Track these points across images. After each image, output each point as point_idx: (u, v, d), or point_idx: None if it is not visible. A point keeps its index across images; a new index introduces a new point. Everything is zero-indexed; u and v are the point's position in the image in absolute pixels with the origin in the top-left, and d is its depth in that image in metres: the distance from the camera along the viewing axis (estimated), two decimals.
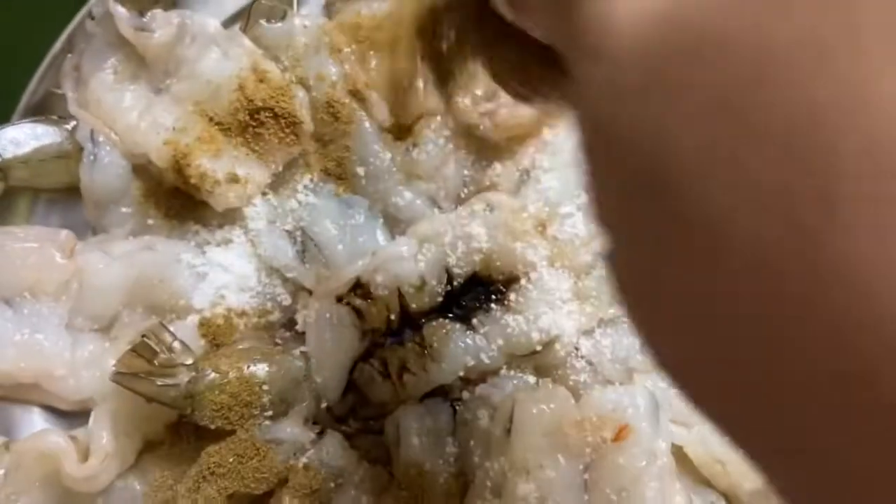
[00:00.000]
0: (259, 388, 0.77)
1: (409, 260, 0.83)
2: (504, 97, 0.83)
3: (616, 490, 0.75)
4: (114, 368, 0.74)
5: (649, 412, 0.78)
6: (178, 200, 0.87)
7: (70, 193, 0.88)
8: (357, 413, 0.84)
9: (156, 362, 0.75)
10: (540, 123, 0.86)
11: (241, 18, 0.92)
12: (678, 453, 0.81)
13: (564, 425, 0.78)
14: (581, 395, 0.82)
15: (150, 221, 0.87)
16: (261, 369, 0.78)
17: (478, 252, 0.81)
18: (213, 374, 0.76)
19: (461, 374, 0.83)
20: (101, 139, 0.85)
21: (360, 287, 0.84)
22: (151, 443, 0.82)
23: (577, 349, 0.83)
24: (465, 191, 0.88)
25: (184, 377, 0.75)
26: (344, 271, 0.84)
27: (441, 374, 0.83)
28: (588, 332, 0.84)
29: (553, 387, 0.81)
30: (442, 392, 0.85)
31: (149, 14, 0.85)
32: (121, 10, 0.83)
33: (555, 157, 0.87)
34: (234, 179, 0.82)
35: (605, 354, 0.83)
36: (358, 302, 0.83)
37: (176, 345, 0.76)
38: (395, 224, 0.88)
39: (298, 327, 0.84)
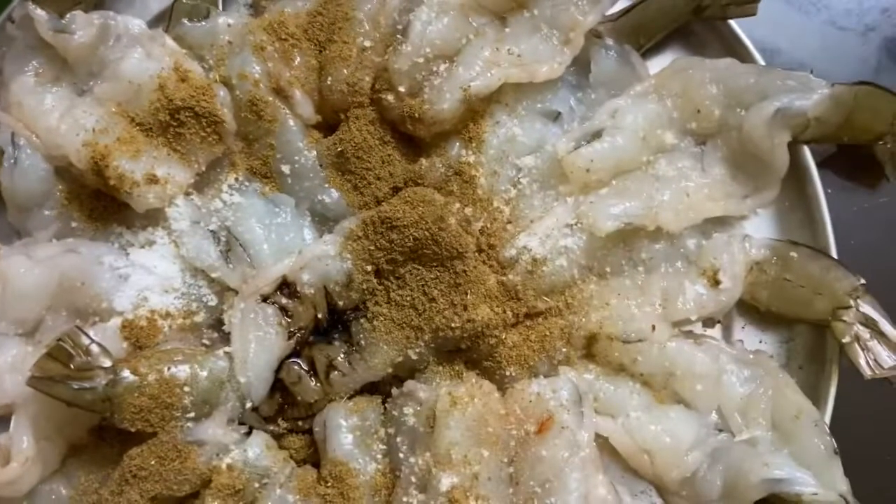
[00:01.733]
0: (180, 390, 0.77)
1: (335, 257, 0.83)
2: (428, 93, 0.84)
3: (540, 482, 0.75)
4: (30, 372, 0.73)
5: (572, 403, 0.78)
6: (102, 202, 0.86)
7: None
8: (285, 413, 0.84)
9: (72, 365, 0.74)
10: (464, 120, 0.86)
11: (166, 19, 0.91)
12: (604, 444, 0.81)
13: (489, 419, 0.78)
14: (507, 388, 0.82)
15: (74, 224, 0.86)
16: (182, 371, 0.77)
17: (408, 240, 0.81)
18: (131, 377, 0.75)
19: (389, 370, 0.83)
20: (21, 142, 0.84)
21: (286, 286, 0.83)
22: (76, 446, 0.82)
23: (503, 342, 0.83)
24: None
25: (101, 380, 0.74)
26: (270, 270, 0.83)
27: (369, 371, 0.83)
28: (514, 326, 0.84)
29: (477, 380, 0.81)
30: (371, 388, 0.85)
31: (69, 16, 0.84)
32: (40, 13, 0.83)
33: (480, 151, 0.86)
34: (153, 180, 0.81)
35: (532, 346, 0.83)
36: (284, 301, 0.83)
37: (93, 348, 0.75)
38: (323, 222, 0.88)
39: (225, 327, 0.84)
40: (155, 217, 0.85)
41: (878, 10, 0.99)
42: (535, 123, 0.88)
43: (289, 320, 0.82)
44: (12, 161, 0.83)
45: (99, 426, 0.80)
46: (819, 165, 0.89)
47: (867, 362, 0.79)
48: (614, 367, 0.83)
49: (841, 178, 0.93)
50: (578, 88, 0.90)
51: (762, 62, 0.89)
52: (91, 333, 0.78)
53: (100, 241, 0.85)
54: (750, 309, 0.88)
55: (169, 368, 0.77)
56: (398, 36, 0.85)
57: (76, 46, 0.83)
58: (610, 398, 0.82)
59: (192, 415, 0.77)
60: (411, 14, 0.84)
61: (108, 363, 0.75)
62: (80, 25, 0.84)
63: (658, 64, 0.93)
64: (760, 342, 0.88)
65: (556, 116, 0.89)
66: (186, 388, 0.77)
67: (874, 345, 0.80)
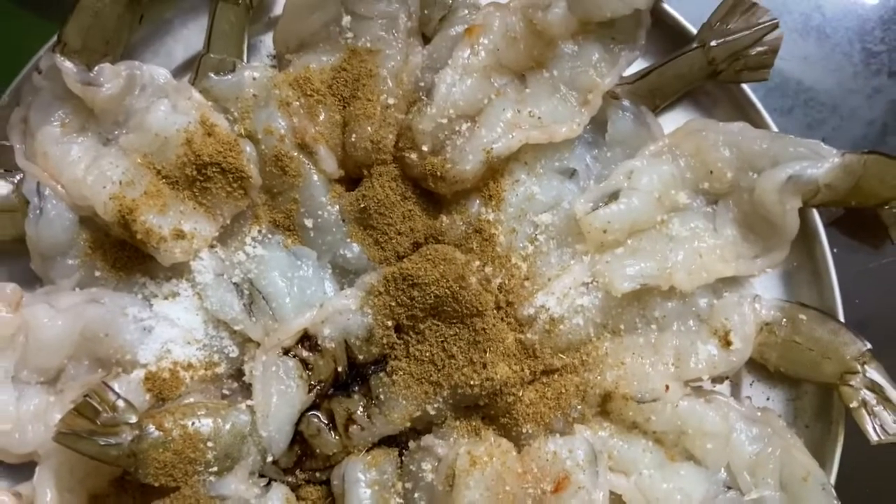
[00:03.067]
0: (203, 445, 0.78)
1: (356, 312, 0.84)
2: (450, 153, 0.86)
3: None
4: (57, 428, 0.74)
5: (587, 462, 0.80)
6: (126, 252, 0.87)
7: (17, 244, 0.87)
8: (304, 464, 0.85)
9: (98, 421, 0.75)
10: (484, 178, 0.88)
11: (191, 68, 0.93)
12: (617, 501, 0.83)
13: (506, 477, 0.79)
14: (524, 445, 0.84)
15: (98, 273, 0.87)
16: (205, 425, 0.78)
17: (429, 297, 0.83)
18: (156, 433, 0.76)
19: (408, 424, 0.85)
20: (47, 192, 0.85)
21: (307, 339, 0.85)
22: (96, 497, 0.82)
23: (520, 399, 0.84)
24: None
25: (127, 436, 0.75)
26: (291, 324, 0.84)
27: (388, 425, 0.84)
28: (531, 383, 0.85)
29: (496, 439, 0.82)
30: (388, 440, 0.87)
31: (97, 68, 0.85)
32: (68, 65, 0.83)
33: (499, 209, 0.88)
34: (179, 235, 0.83)
35: (548, 403, 0.85)
36: (305, 354, 0.84)
37: (119, 403, 0.76)
38: (345, 275, 0.89)
39: (246, 378, 0.85)
40: (179, 269, 0.86)
41: (886, 73, 1.01)
42: (552, 181, 0.90)
43: (309, 373, 0.84)
44: (38, 211, 0.84)
45: (120, 477, 0.81)
46: (826, 225, 0.92)
47: (874, 427, 0.82)
48: (628, 425, 0.85)
49: (847, 237, 0.96)
50: (595, 146, 0.93)
51: (775, 128, 0.91)
52: (115, 386, 0.79)
53: (123, 292, 0.86)
54: (758, 366, 0.91)
55: (193, 423, 0.78)
56: (422, 97, 0.87)
57: (104, 98, 0.84)
58: (623, 455, 0.84)
59: (214, 469, 0.78)
60: (436, 76, 0.86)
61: (133, 419, 0.76)
62: (109, 77, 0.85)
63: (670, 119, 0.95)
64: (768, 399, 0.91)
65: (572, 173, 0.91)
66: (210, 443, 0.78)
67: (880, 410, 0.83)
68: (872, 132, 1.01)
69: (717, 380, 0.90)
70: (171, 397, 0.82)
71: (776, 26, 0.90)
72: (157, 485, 0.77)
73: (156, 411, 0.79)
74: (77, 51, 0.85)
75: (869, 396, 0.83)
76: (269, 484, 0.83)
